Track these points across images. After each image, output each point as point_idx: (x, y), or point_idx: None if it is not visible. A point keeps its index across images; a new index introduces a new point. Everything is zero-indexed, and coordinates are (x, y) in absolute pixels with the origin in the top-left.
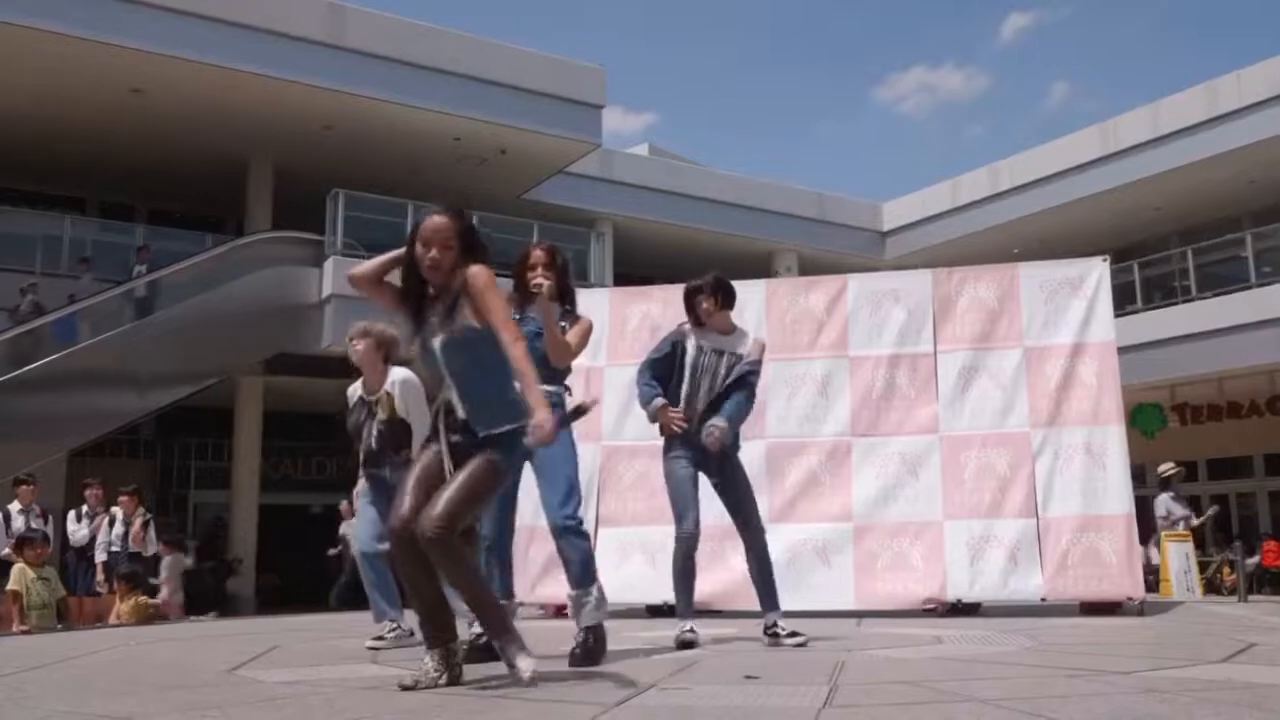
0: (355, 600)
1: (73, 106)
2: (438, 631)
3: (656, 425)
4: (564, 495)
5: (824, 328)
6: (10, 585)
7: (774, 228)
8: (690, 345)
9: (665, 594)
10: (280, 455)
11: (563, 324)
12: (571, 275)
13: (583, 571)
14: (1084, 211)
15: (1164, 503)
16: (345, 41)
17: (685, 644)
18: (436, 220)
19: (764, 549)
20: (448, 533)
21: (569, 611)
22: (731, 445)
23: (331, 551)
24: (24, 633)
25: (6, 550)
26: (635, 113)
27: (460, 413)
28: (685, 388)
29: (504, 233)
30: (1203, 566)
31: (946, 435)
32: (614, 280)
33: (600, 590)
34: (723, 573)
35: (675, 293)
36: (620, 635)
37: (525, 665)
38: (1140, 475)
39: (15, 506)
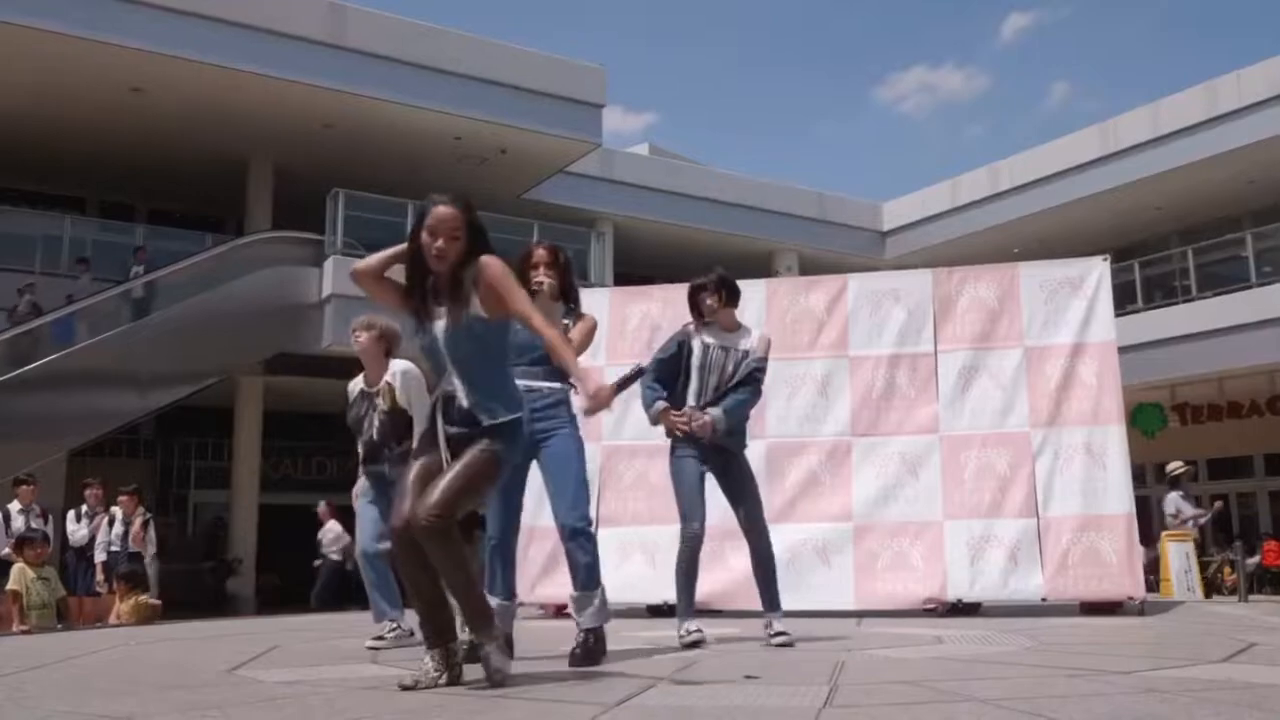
0: (334, 601)
1: (73, 106)
2: (438, 631)
3: (660, 426)
4: (574, 497)
5: (824, 327)
6: (10, 585)
7: (774, 227)
8: (696, 344)
9: (665, 594)
10: (280, 455)
11: (566, 322)
12: (574, 273)
13: (589, 575)
14: (1084, 211)
15: (1173, 501)
16: (346, 41)
17: (693, 645)
18: (444, 210)
19: (767, 550)
20: (444, 521)
21: (571, 611)
22: (738, 445)
23: (316, 563)
24: (24, 632)
25: (6, 550)
26: (635, 113)
27: (464, 401)
28: (694, 386)
29: (504, 233)
30: (1203, 566)
31: (946, 435)
32: (614, 280)
33: (604, 594)
34: (722, 573)
35: (675, 292)
36: (620, 635)
37: (499, 664)
38: (1140, 475)
39: (15, 506)
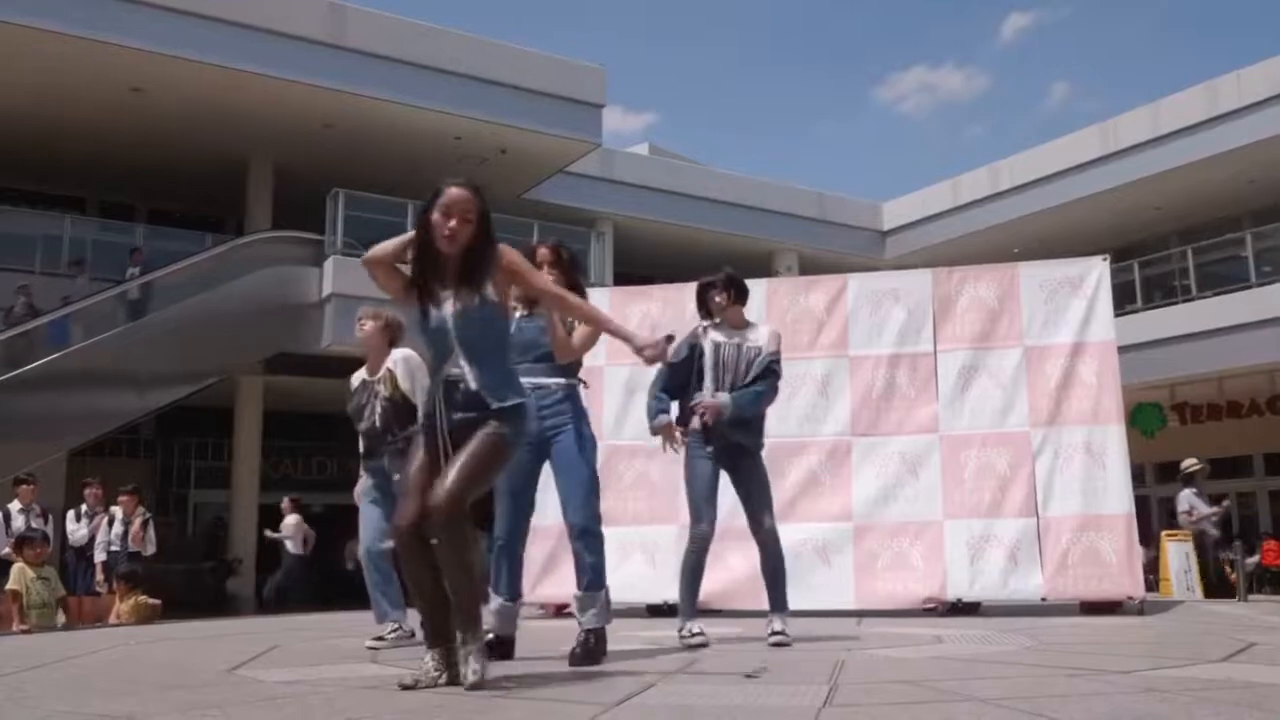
0: (297, 592)
1: (73, 106)
2: (438, 631)
3: (663, 415)
4: (585, 495)
5: (824, 327)
6: (10, 585)
7: (774, 227)
8: (707, 345)
9: (665, 594)
10: (280, 455)
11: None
12: (579, 270)
13: (594, 575)
14: (1084, 211)
15: (1187, 498)
16: (346, 41)
17: (696, 647)
18: (458, 192)
19: (777, 554)
20: (459, 508)
21: (573, 610)
22: (754, 442)
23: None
24: (24, 632)
25: (6, 550)
26: (635, 113)
27: (472, 384)
28: (708, 386)
29: (504, 232)
30: (1215, 565)
31: (946, 435)
32: (614, 280)
33: (607, 595)
34: (723, 572)
35: (675, 292)
36: (620, 635)
37: (478, 666)
38: (1140, 475)
39: (15, 506)
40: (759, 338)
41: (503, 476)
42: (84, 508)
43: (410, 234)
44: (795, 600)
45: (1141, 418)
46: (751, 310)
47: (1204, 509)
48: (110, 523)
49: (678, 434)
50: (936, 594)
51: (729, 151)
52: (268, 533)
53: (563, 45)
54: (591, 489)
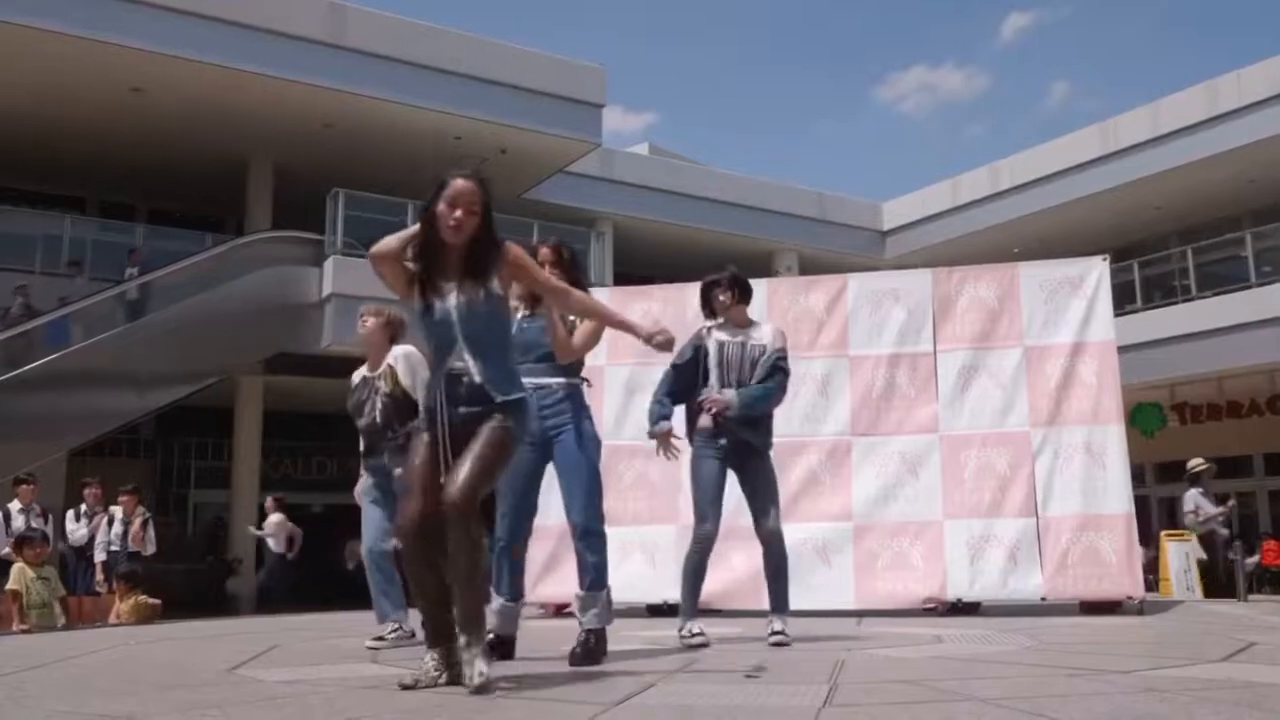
0: (279, 591)
1: (73, 106)
2: (438, 631)
3: (664, 421)
4: (587, 496)
5: (824, 327)
6: (10, 585)
7: (774, 227)
8: (711, 344)
9: (665, 594)
10: (280, 455)
11: (573, 319)
12: (580, 269)
13: (597, 575)
14: (1084, 211)
15: (1193, 498)
16: (346, 41)
17: (697, 647)
18: (465, 184)
19: (781, 555)
20: (471, 505)
21: (575, 610)
22: (762, 441)
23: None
24: (24, 632)
25: (6, 550)
26: (635, 112)
27: (476, 378)
28: (714, 384)
29: (504, 232)
30: (1224, 565)
31: (946, 435)
32: (614, 280)
33: (609, 595)
34: (723, 572)
35: (675, 292)
36: (620, 635)
37: (484, 668)
38: (1140, 475)
39: (15, 506)
40: (763, 336)
41: (505, 477)
42: (83, 507)
43: (415, 228)
44: (795, 600)
45: (1141, 418)
46: (752, 310)
47: (1210, 509)
48: (110, 523)
49: (674, 443)
50: (936, 594)
51: (729, 151)
52: (251, 529)
53: (563, 45)
54: (594, 489)
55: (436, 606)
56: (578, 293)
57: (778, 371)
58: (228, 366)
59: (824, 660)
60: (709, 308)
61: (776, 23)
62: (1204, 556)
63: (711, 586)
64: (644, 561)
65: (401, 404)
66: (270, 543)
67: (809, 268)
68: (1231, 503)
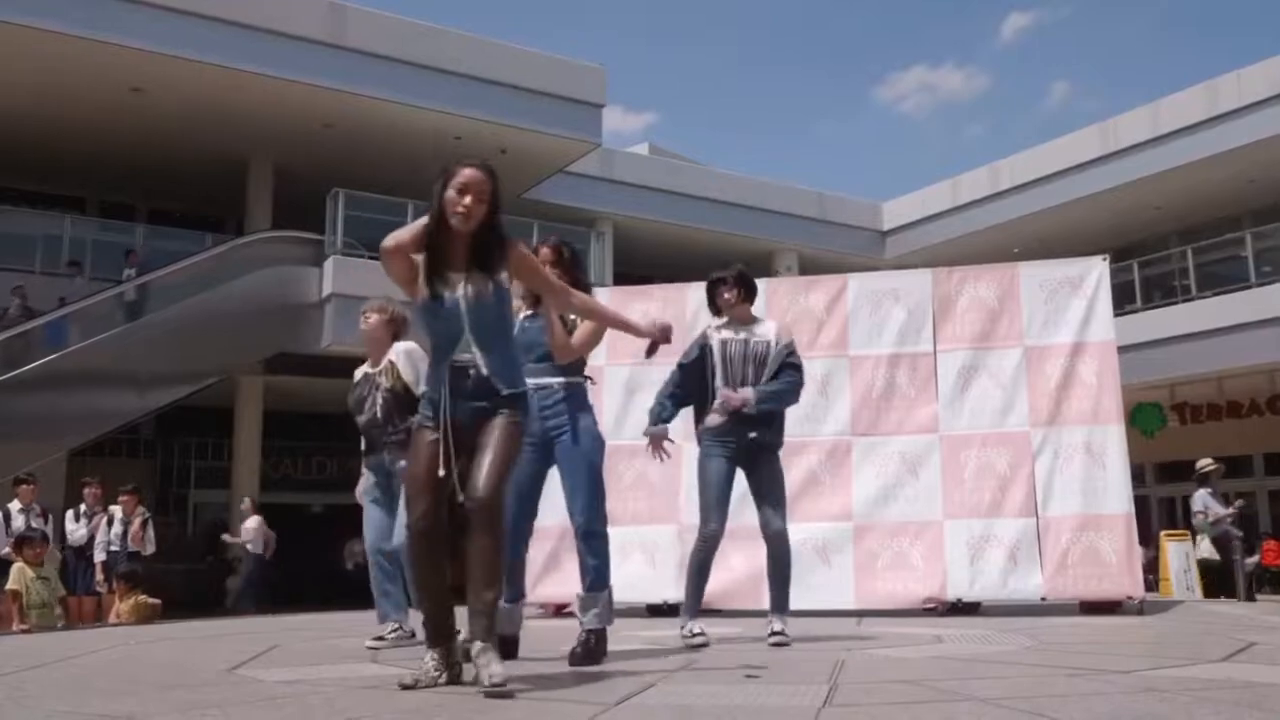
0: (256, 595)
1: (73, 106)
2: (439, 631)
3: (662, 424)
4: (588, 497)
5: (824, 327)
6: (10, 584)
7: (774, 227)
8: (715, 342)
9: (665, 593)
10: (280, 455)
11: (574, 318)
12: (581, 267)
13: (598, 576)
14: (1084, 211)
15: (1202, 498)
16: (346, 41)
17: (697, 647)
18: (475, 172)
19: (785, 556)
20: (499, 504)
21: (575, 610)
22: (773, 442)
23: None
24: (24, 632)
25: (6, 549)
26: (635, 112)
27: (483, 369)
28: (720, 381)
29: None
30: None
31: (946, 435)
32: (614, 280)
33: (610, 596)
34: (723, 572)
35: (675, 292)
36: (620, 635)
37: (500, 669)
38: (1140, 475)
39: (15, 506)
40: (766, 332)
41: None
42: (83, 507)
43: (425, 219)
44: (795, 600)
45: (1141, 418)
46: (753, 310)
47: (1219, 509)
48: (109, 522)
49: (666, 446)
50: (936, 594)
51: (729, 151)
52: (225, 537)
53: (563, 45)
54: (595, 490)
55: (439, 607)
56: (578, 293)
57: (789, 368)
58: (228, 366)
59: (824, 660)
60: (714, 304)
61: (776, 23)
62: (1217, 558)
63: (711, 586)
64: (644, 561)
65: (403, 399)
66: (249, 547)
67: (809, 268)
68: (1240, 502)
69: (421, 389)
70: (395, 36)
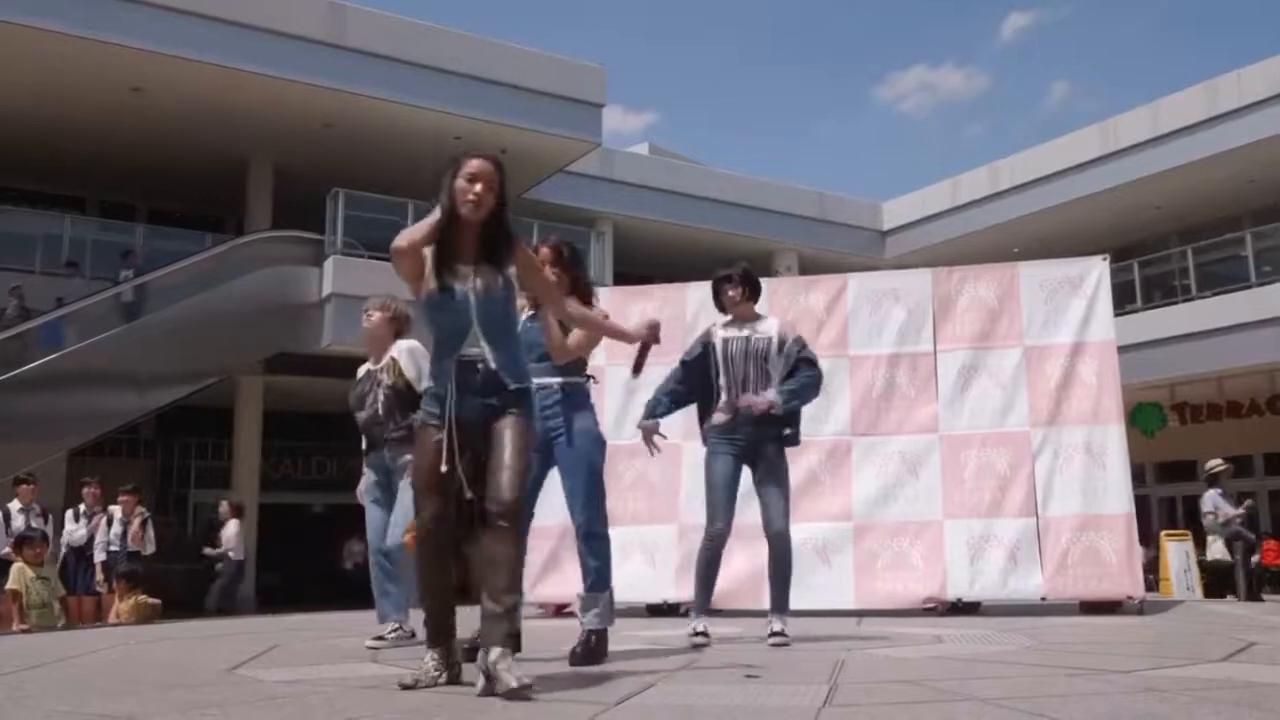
0: (232, 601)
1: (73, 105)
2: (439, 631)
3: (655, 418)
4: (588, 498)
5: (824, 327)
6: (10, 584)
7: (774, 227)
8: (717, 340)
9: (665, 593)
10: (280, 455)
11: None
12: (581, 266)
13: (599, 576)
14: (1084, 211)
15: (1211, 499)
16: (346, 41)
17: (699, 646)
18: (484, 163)
19: (785, 555)
20: (522, 505)
21: (576, 610)
22: (790, 438)
23: (218, 565)
24: (24, 632)
25: (6, 549)
26: (635, 112)
27: (491, 363)
28: (723, 380)
29: None
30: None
31: (946, 434)
32: (614, 280)
33: (611, 596)
34: (724, 570)
35: (675, 292)
36: (620, 635)
37: (521, 674)
38: (1140, 475)
39: (15, 506)
40: (768, 329)
41: None
42: (82, 507)
43: (436, 214)
44: (795, 600)
45: (1141, 417)
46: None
47: (1229, 510)
48: (109, 522)
49: (657, 441)
50: (936, 594)
51: (729, 151)
52: (207, 550)
53: (563, 45)
54: (594, 491)
55: (443, 606)
56: (574, 304)
57: (804, 363)
58: (228, 366)
59: (824, 660)
60: (719, 302)
61: (776, 23)
62: (1229, 559)
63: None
64: (644, 561)
65: (404, 396)
66: (231, 554)
67: (809, 267)
68: (1249, 502)
69: (424, 385)
70: (395, 36)
